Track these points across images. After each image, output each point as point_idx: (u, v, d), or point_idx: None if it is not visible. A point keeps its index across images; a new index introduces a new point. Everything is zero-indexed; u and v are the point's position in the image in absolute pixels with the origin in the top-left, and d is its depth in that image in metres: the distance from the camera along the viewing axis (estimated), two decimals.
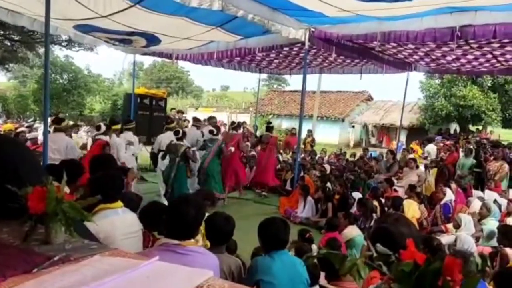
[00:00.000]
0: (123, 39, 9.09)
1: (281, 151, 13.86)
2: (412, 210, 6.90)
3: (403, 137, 21.27)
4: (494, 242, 5.29)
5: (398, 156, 11.36)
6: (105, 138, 7.38)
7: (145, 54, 11.24)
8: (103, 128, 7.51)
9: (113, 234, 2.59)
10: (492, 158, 9.76)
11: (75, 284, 0.93)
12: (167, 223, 2.27)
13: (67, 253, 1.14)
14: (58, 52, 24.94)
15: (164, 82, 49.28)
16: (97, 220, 2.35)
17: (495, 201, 7.13)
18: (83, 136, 14.61)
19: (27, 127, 13.31)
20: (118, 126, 8.27)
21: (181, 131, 8.08)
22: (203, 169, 8.33)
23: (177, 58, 11.02)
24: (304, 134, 13.69)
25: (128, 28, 7.76)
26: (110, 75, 48.40)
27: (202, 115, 21.70)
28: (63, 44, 19.98)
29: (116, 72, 56.92)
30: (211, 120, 10.67)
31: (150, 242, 3.11)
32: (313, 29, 7.62)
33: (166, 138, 8.46)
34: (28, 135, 10.34)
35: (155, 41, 9.11)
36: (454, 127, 22.95)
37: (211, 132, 8.76)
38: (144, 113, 13.26)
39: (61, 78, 25.09)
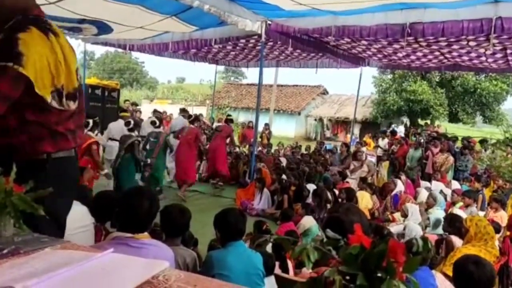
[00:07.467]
0: (73, 27, 8.71)
1: (238, 144, 13.90)
2: (365, 200, 7.18)
3: (356, 131, 21.88)
4: (440, 230, 5.55)
5: (352, 149, 11.67)
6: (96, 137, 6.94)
7: (96, 43, 10.86)
8: (91, 124, 6.70)
9: None
10: (438, 150, 10.22)
11: (26, 276, 0.90)
12: (119, 216, 2.22)
13: (16, 246, 1.12)
14: None
15: (117, 73, 47.90)
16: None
17: (441, 192, 7.51)
18: None
19: None
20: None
21: (132, 122, 7.85)
22: (149, 165, 7.82)
23: (131, 49, 10.74)
24: (261, 127, 13.78)
25: (78, 16, 7.45)
26: None
27: (157, 107, 21.26)
28: None
29: None
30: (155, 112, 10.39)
31: (102, 236, 3.04)
32: (269, 22, 7.65)
33: (117, 126, 8.22)
34: None
35: (106, 30, 8.79)
36: (404, 121, 23.84)
37: (153, 123, 8.33)
38: (96, 105, 12.84)
39: None
